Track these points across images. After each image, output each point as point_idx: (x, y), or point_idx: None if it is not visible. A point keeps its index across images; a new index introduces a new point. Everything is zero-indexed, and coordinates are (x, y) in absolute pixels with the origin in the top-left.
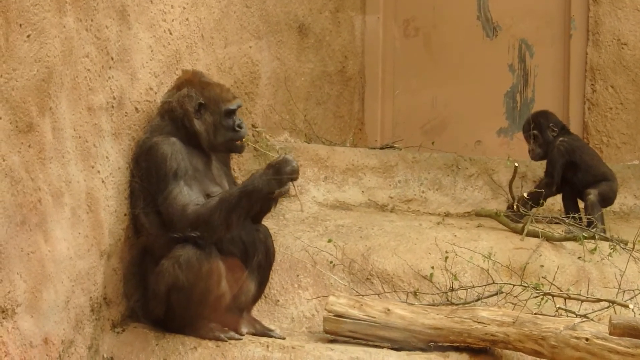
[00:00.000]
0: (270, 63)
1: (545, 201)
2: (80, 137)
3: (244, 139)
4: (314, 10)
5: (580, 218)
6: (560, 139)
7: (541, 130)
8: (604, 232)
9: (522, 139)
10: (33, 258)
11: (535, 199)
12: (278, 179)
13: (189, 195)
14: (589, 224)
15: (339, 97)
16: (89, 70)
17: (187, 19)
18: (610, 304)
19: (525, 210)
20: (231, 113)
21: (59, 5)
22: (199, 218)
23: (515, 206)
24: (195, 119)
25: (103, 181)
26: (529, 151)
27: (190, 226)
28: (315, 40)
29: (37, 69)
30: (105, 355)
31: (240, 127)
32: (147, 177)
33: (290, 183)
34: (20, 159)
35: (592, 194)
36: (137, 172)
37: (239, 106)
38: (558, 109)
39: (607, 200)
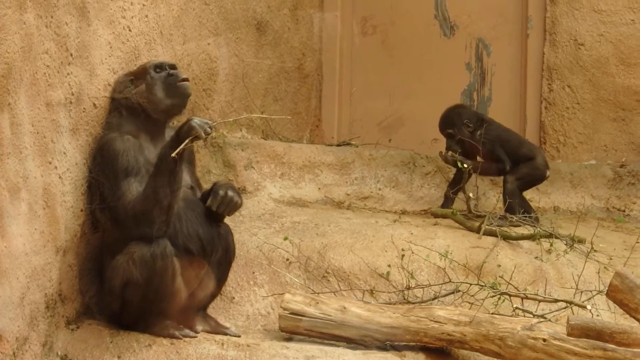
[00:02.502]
0: (228, 60)
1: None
2: (38, 133)
3: (186, 82)
4: (272, 8)
5: (537, 218)
6: (479, 132)
7: (457, 127)
8: (537, 220)
9: None
10: None
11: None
12: (176, 139)
13: (137, 192)
14: (508, 210)
15: (297, 93)
16: (48, 66)
17: (146, 16)
18: (568, 305)
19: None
20: (160, 67)
21: (19, 2)
22: (135, 209)
23: (467, 207)
24: (133, 95)
25: (60, 177)
26: (446, 149)
27: (133, 220)
28: (274, 37)
29: None
30: (59, 353)
31: (174, 69)
32: (102, 174)
33: (189, 139)
34: None
35: (509, 182)
36: (93, 168)
37: (169, 63)
38: (515, 108)
39: (532, 181)
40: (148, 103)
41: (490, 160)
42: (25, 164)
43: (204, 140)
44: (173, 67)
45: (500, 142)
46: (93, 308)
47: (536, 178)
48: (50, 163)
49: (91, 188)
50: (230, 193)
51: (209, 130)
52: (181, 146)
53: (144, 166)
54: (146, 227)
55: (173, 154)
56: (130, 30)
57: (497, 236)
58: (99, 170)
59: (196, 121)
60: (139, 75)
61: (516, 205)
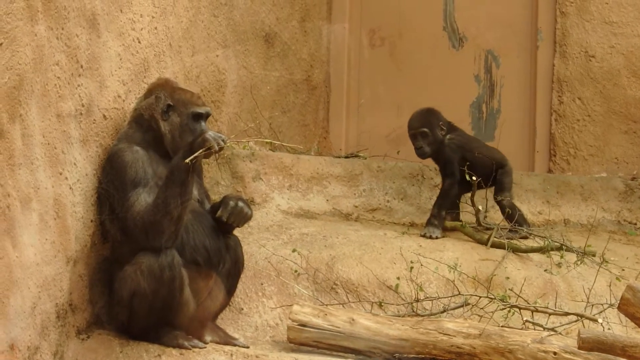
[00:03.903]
0: (236, 71)
1: (460, 200)
2: (49, 144)
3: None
4: (281, 19)
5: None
6: (449, 136)
7: (431, 128)
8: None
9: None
10: (1, 264)
11: (453, 208)
12: (189, 150)
13: (145, 203)
14: (514, 222)
15: (305, 105)
16: (58, 77)
17: (155, 28)
18: (579, 318)
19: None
20: (199, 117)
21: (31, 14)
22: (145, 220)
23: (476, 219)
24: (162, 121)
25: (71, 188)
26: (417, 149)
27: (142, 230)
28: (282, 49)
29: (9, 77)
30: None
31: (208, 116)
32: (111, 185)
33: (202, 150)
34: None
35: (506, 200)
36: (103, 179)
37: (208, 113)
38: (524, 120)
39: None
40: (170, 138)
41: (440, 165)
42: (36, 174)
43: (216, 154)
44: (208, 116)
45: (469, 149)
46: (103, 318)
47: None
48: (60, 174)
49: (101, 199)
50: (240, 204)
51: (222, 143)
52: (194, 154)
53: (153, 178)
54: (155, 238)
55: (186, 160)
56: (139, 42)
57: (505, 248)
58: (108, 181)
59: (210, 134)
60: (177, 108)
61: (522, 215)
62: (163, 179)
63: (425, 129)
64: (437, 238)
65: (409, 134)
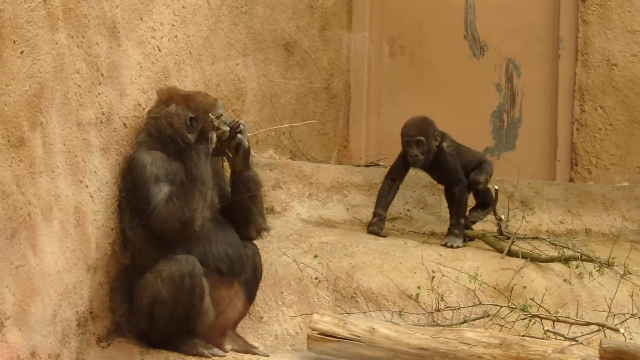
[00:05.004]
0: (256, 80)
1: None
2: (69, 152)
3: None
4: (301, 28)
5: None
6: (446, 144)
7: (427, 138)
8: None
9: (509, 158)
10: (22, 271)
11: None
12: (204, 138)
13: (168, 192)
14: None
15: (324, 114)
16: (79, 86)
17: (175, 36)
18: (600, 328)
19: (507, 232)
20: (219, 116)
21: (51, 22)
22: (168, 207)
23: (497, 228)
24: (189, 134)
25: (91, 195)
26: (412, 157)
27: (163, 219)
28: (302, 58)
29: (30, 85)
30: None
31: (224, 125)
32: (132, 191)
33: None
34: (12, 173)
35: (481, 178)
36: (123, 186)
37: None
38: (546, 129)
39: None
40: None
41: (445, 174)
42: (57, 182)
43: (236, 138)
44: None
45: (462, 155)
46: (123, 326)
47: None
48: (81, 182)
49: (121, 207)
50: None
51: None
52: (211, 142)
53: (174, 177)
54: (175, 226)
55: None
56: (159, 50)
57: (526, 258)
58: (129, 185)
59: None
60: (199, 117)
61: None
62: (183, 172)
63: (422, 138)
64: (458, 247)
65: (403, 140)
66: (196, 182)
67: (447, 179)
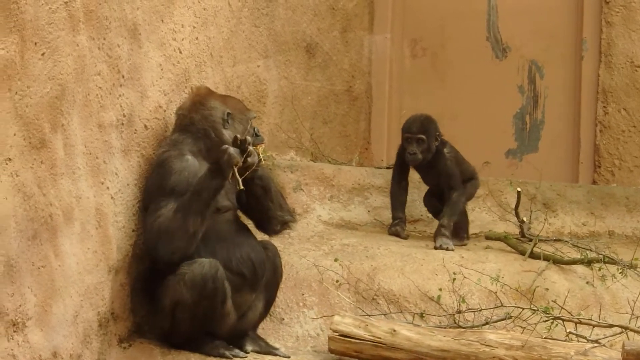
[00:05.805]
0: (277, 82)
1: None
2: (90, 154)
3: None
4: (322, 30)
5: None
6: (446, 150)
7: (429, 137)
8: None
9: (531, 160)
10: (43, 272)
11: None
12: (217, 168)
13: (169, 213)
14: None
15: (346, 116)
16: (100, 87)
17: (196, 38)
18: (623, 330)
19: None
20: (252, 120)
21: (72, 24)
22: (161, 228)
23: (519, 230)
24: (224, 129)
25: (112, 197)
26: (411, 154)
27: (155, 238)
28: (323, 60)
29: (51, 87)
30: None
31: (258, 135)
32: (150, 188)
33: (234, 169)
34: (33, 174)
35: (458, 199)
36: (146, 183)
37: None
38: (569, 131)
39: (469, 199)
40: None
41: (444, 179)
42: (78, 184)
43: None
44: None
45: (457, 161)
46: (144, 327)
47: (472, 196)
48: (102, 183)
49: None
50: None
51: (249, 151)
52: (225, 174)
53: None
54: (166, 246)
55: (219, 184)
56: (180, 52)
57: (548, 260)
58: (150, 185)
59: (231, 150)
60: (236, 115)
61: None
62: (189, 191)
63: (423, 136)
64: (453, 250)
65: (403, 136)
66: (196, 216)
67: (446, 184)
